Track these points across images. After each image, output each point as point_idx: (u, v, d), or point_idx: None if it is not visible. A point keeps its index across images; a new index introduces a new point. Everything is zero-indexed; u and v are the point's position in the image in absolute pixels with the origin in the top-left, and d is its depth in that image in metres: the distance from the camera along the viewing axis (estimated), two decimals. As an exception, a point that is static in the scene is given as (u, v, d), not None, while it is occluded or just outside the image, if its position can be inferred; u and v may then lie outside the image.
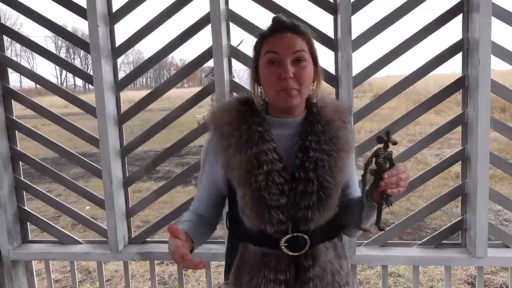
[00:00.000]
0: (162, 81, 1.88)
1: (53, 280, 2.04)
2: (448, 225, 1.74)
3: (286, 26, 1.06)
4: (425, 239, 1.75)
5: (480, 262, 1.63)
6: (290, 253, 1.06)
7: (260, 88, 1.11)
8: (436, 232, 1.75)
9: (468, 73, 1.63)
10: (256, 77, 1.11)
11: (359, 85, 1.70)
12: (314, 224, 1.05)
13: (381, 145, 0.95)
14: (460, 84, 1.66)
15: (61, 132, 1.91)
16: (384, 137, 0.94)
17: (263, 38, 1.08)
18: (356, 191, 1.19)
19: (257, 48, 1.09)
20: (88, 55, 1.72)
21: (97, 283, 3.34)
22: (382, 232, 1.74)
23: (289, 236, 1.05)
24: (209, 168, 1.16)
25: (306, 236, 1.05)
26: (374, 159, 0.94)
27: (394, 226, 1.75)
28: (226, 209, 1.21)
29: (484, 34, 1.52)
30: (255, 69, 1.10)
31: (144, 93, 1.89)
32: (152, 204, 1.89)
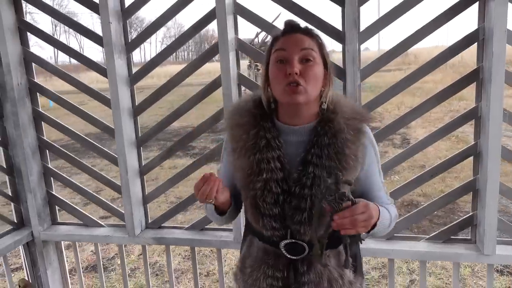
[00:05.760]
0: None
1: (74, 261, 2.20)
2: (459, 220, 1.70)
3: (297, 27, 1.09)
4: (433, 234, 1.73)
5: (488, 259, 1.60)
6: (288, 256, 1.11)
7: (269, 90, 1.12)
8: (446, 227, 1.72)
9: (482, 65, 1.55)
10: (266, 77, 1.12)
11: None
12: (308, 237, 1.07)
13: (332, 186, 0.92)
14: (474, 77, 1.59)
15: (73, 126, 2.04)
16: (330, 181, 0.91)
17: (274, 40, 1.11)
18: (380, 197, 1.15)
19: (269, 49, 1.12)
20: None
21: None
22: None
23: (288, 241, 1.10)
24: (226, 160, 1.23)
25: (304, 244, 1.09)
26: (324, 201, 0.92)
27: (402, 220, 1.73)
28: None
29: (499, 24, 1.43)
30: (266, 69, 1.12)
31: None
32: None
